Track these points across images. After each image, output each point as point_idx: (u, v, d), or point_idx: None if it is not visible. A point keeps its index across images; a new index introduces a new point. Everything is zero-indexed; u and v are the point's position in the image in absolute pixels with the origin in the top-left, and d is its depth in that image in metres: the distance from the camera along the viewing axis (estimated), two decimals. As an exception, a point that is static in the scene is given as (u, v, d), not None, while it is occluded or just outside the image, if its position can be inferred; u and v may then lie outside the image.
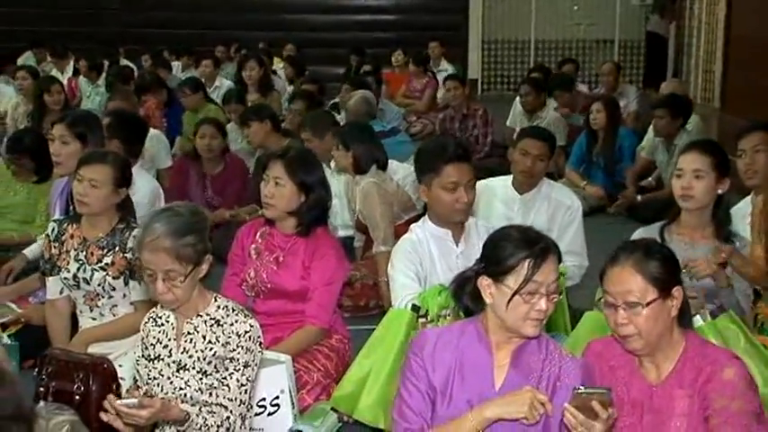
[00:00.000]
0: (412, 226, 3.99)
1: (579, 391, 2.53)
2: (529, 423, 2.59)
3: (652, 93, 10.64)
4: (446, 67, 12.83)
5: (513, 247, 2.64)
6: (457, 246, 3.87)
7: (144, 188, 4.81)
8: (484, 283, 2.69)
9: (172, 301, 2.96)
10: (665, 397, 2.68)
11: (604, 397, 2.52)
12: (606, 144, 7.65)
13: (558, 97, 9.15)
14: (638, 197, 7.33)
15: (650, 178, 7.65)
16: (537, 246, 2.63)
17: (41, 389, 3.75)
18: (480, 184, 4.93)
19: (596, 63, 13.69)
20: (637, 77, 15.25)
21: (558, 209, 4.75)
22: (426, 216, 3.94)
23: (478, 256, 3.70)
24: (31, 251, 5.01)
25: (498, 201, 4.80)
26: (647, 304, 2.63)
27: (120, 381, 3.76)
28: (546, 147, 4.81)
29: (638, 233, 3.87)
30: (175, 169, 6.90)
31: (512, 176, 4.89)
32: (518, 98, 8.96)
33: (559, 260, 2.68)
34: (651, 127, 7.63)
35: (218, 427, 2.93)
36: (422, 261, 3.83)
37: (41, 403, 3.65)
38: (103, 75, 10.99)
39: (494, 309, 2.68)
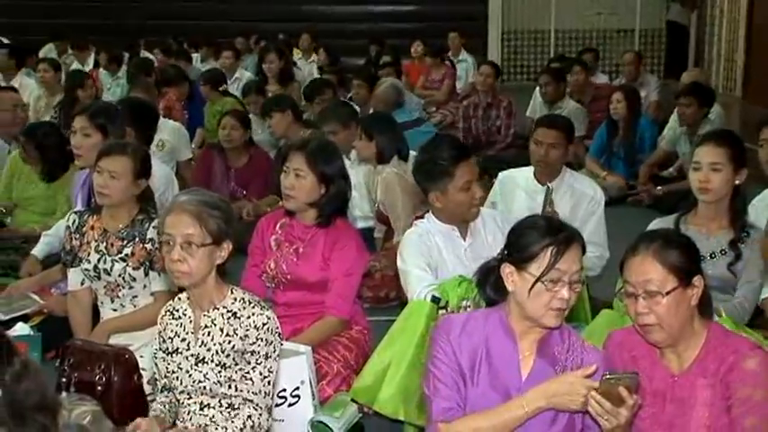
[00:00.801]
0: (416, 221, 3.98)
1: (607, 376, 2.51)
2: (575, 411, 2.60)
3: (672, 82, 10.59)
4: (465, 58, 12.79)
5: (538, 235, 2.64)
6: (465, 240, 3.87)
7: (156, 174, 4.81)
8: (507, 270, 2.69)
9: (185, 273, 2.92)
10: (688, 387, 2.67)
11: (632, 382, 2.51)
12: (627, 134, 7.62)
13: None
14: (659, 189, 7.27)
15: (671, 169, 7.60)
16: (561, 234, 2.63)
17: (64, 379, 3.79)
18: (503, 174, 4.93)
19: (617, 53, 13.63)
20: (657, 67, 15.17)
21: (580, 199, 4.72)
22: (430, 212, 3.93)
23: (486, 248, 3.73)
24: (40, 251, 5.00)
25: (521, 190, 4.78)
26: (667, 293, 2.61)
27: (142, 371, 3.79)
28: (560, 135, 4.77)
29: (654, 224, 3.85)
30: (200, 160, 6.92)
31: (533, 168, 4.87)
32: (538, 88, 8.93)
33: (583, 250, 2.68)
34: (673, 117, 7.58)
35: (243, 423, 2.94)
36: (431, 253, 3.82)
37: (64, 394, 3.68)
38: (123, 67, 11.03)
39: (516, 297, 2.68)
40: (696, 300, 2.67)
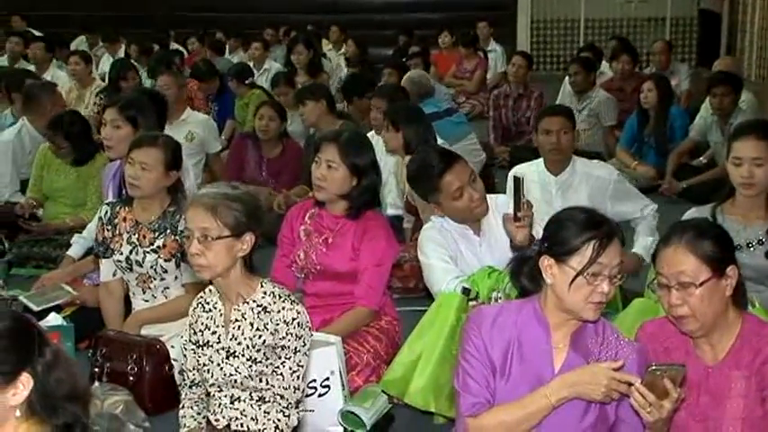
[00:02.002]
0: (432, 217, 3.97)
1: (653, 368, 2.49)
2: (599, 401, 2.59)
3: (704, 71, 10.48)
4: (494, 48, 12.75)
5: (579, 228, 2.61)
6: (478, 236, 3.85)
7: None
8: (546, 263, 2.67)
9: (204, 266, 2.90)
10: (722, 378, 2.65)
11: (678, 374, 2.48)
12: (657, 123, 7.55)
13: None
14: (683, 184, 7.18)
15: (702, 158, 7.52)
16: (603, 227, 2.60)
17: (96, 369, 3.83)
18: (514, 170, 4.91)
19: (647, 42, 13.49)
20: (689, 56, 15.02)
21: (599, 184, 4.68)
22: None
23: (501, 240, 3.71)
24: (75, 252, 5.01)
25: (534, 184, 4.74)
26: (701, 284, 2.58)
27: (173, 362, 3.82)
28: (565, 119, 4.78)
29: (690, 213, 3.81)
30: (234, 148, 6.94)
31: (542, 160, 4.84)
32: (567, 78, 8.87)
33: (623, 244, 2.66)
34: (704, 105, 7.49)
35: (273, 417, 2.96)
36: (450, 246, 3.81)
37: (96, 383, 3.72)
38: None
39: (554, 289, 2.66)
40: (730, 290, 2.64)
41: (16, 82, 7.23)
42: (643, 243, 4.62)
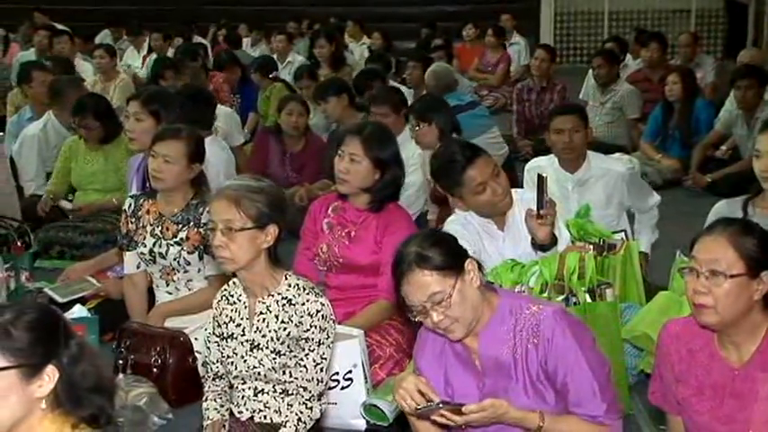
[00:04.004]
0: (456, 210, 3.95)
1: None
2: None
3: (730, 63, 10.37)
4: (518, 40, 12.69)
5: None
6: (502, 231, 3.84)
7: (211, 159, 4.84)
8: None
9: (228, 258, 2.90)
10: (748, 380, 2.60)
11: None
12: (682, 116, 7.49)
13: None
14: (708, 177, 7.13)
15: (723, 147, 7.45)
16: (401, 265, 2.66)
17: (120, 361, 3.85)
18: (530, 164, 4.90)
19: (673, 34, 13.39)
20: (715, 48, 14.89)
21: (615, 177, 4.66)
22: None
23: (523, 238, 3.70)
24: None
25: (550, 181, 4.71)
26: (731, 276, 2.52)
27: (196, 354, 3.83)
28: (577, 118, 4.72)
29: (720, 206, 3.78)
30: (257, 144, 6.95)
31: (556, 158, 4.80)
32: (591, 71, 8.82)
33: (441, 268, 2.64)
34: (730, 98, 7.43)
35: (296, 409, 2.96)
36: (472, 240, 3.80)
37: (120, 375, 3.74)
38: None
39: None
40: (760, 295, 2.57)
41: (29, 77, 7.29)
42: (646, 240, 4.75)
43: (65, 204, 6.00)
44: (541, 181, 3.58)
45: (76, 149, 5.86)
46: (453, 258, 2.65)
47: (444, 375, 2.78)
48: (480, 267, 2.76)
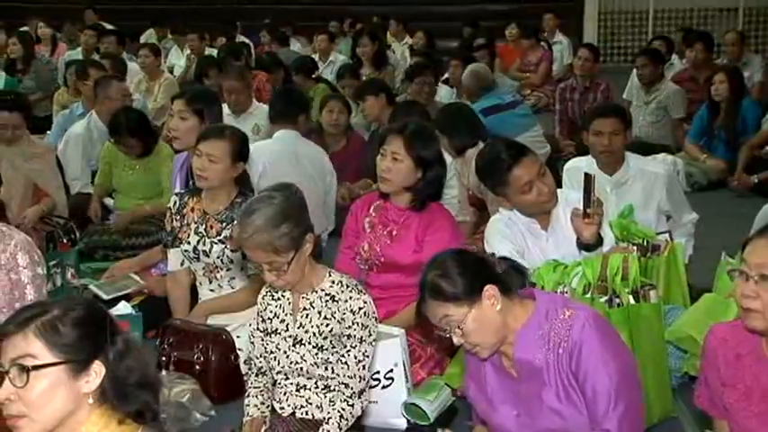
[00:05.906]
0: (500, 209, 3.93)
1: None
2: None
3: (779, 62, 10.21)
4: (561, 39, 12.60)
5: None
6: (546, 231, 3.80)
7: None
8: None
9: (284, 285, 2.98)
10: None
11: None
12: (728, 116, 7.38)
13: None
14: (755, 178, 7.02)
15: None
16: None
17: (163, 358, 3.88)
18: (569, 164, 4.86)
19: (719, 32, 13.23)
20: (763, 46, 14.68)
21: (655, 181, 4.60)
22: None
23: (567, 238, 3.67)
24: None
25: None
26: None
27: (238, 351, 3.86)
28: (617, 121, 4.64)
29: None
30: None
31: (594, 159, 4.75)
32: (635, 70, 8.74)
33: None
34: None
35: (338, 405, 2.98)
36: (516, 239, 3.78)
37: (163, 372, 3.77)
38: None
39: None
40: None
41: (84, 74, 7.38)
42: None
43: (108, 201, 6.06)
44: (589, 180, 3.55)
45: (115, 156, 5.86)
46: (468, 288, 2.67)
47: (483, 389, 2.86)
48: (523, 270, 2.75)
